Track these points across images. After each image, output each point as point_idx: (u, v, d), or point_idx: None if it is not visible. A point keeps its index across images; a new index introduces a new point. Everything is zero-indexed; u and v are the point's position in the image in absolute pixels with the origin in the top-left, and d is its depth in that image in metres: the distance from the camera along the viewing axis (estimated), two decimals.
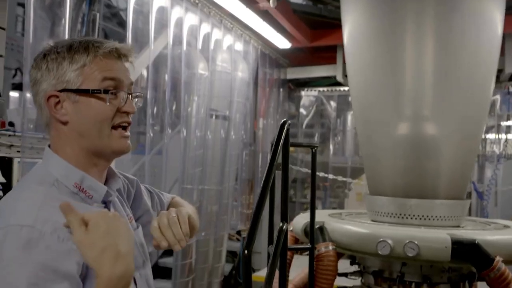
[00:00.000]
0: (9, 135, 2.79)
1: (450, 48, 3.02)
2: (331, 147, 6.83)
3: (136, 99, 1.27)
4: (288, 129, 2.23)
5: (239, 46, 5.11)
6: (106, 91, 1.17)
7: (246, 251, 1.67)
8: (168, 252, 4.87)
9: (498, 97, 5.47)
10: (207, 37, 4.50)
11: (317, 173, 5.93)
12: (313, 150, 2.89)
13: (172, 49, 4.08)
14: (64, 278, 1.00)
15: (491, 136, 5.60)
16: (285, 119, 2.29)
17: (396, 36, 3.11)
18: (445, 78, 3.04)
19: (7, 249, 0.99)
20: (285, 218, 2.14)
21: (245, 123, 5.26)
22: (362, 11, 3.31)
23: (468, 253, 2.47)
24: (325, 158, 6.73)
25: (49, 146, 1.23)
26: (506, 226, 3.08)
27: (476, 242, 2.50)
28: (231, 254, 5.83)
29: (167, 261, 5.20)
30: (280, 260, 2.20)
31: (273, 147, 2.17)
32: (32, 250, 0.99)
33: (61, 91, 1.16)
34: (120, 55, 1.21)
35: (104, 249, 0.98)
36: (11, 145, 2.79)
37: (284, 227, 2.10)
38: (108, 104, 1.17)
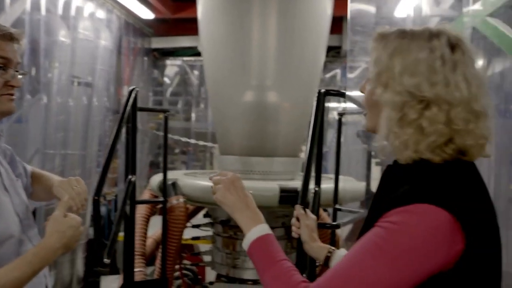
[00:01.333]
0: None
1: (289, 26, 3.44)
2: (194, 114, 7.15)
3: (21, 76, 1.51)
4: (136, 95, 2.51)
5: (101, 14, 5.16)
6: None
7: (95, 196, 1.96)
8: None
9: (338, 70, 6.20)
10: (67, 4, 4.51)
11: (181, 139, 6.27)
12: (165, 115, 3.18)
13: (30, 15, 4.05)
14: None
15: (332, 104, 6.30)
16: (133, 87, 2.57)
17: (243, 12, 3.44)
18: (284, 53, 3.46)
19: None
20: (134, 171, 2.44)
21: (108, 90, 5.36)
22: None
23: (291, 198, 2.97)
24: (188, 125, 7.06)
25: None
26: (330, 179, 3.67)
27: (298, 190, 3.01)
28: None
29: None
30: (130, 212, 2.50)
31: (121, 111, 2.44)
32: None
33: None
34: (12, 38, 1.46)
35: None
36: None
37: (133, 179, 2.40)
38: None
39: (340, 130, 2.96)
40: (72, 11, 4.60)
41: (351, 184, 3.43)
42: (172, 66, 7.04)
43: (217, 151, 6.62)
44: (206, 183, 3.19)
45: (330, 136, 6.25)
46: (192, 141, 6.14)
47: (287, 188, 3.01)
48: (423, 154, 1.00)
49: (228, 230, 3.35)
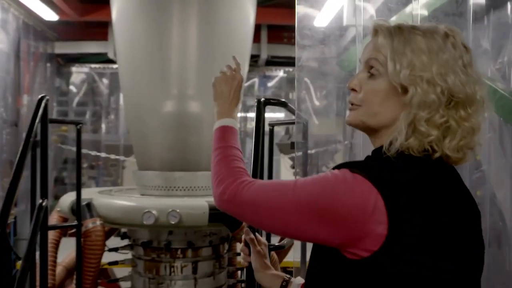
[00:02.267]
0: None
1: (210, 33, 3.28)
2: (103, 125, 6.71)
3: None
4: (46, 105, 2.18)
5: None
6: None
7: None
8: None
9: (256, 80, 6.13)
10: None
11: (90, 152, 5.82)
12: (78, 127, 2.85)
13: None
14: None
15: (250, 114, 6.22)
16: (42, 95, 2.23)
17: (163, 17, 3.24)
18: (206, 60, 3.29)
19: None
20: (45, 195, 2.10)
21: (5, 99, 4.80)
22: None
23: (222, 216, 2.78)
24: (98, 137, 6.60)
25: None
26: None
27: None
28: None
29: None
30: (41, 240, 2.16)
31: (29, 123, 2.10)
32: None
33: None
34: None
35: None
36: None
37: (44, 203, 2.07)
38: None
39: (272, 141, 2.81)
40: None
41: None
42: (78, 73, 6.54)
43: (130, 165, 6.29)
44: (125, 202, 2.91)
45: (250, 147, 6.13)
46: (103, 154, 5.71)
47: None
48: (444, 153, 1.00)
49: (150, 252, 3.10)
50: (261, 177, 2.16)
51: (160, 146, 3.33)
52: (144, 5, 3.31)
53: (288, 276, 1.41)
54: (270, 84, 6.46)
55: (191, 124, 3.32)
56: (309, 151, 2.67)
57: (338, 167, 1.01)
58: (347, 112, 1.13)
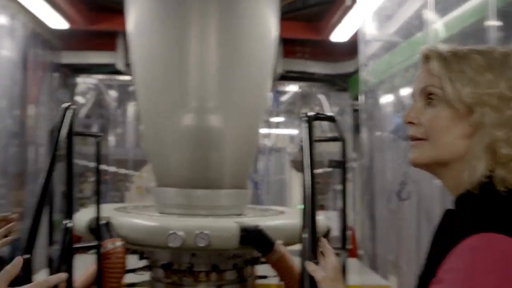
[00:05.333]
0: None
1: (232, 44, 3.13)
2: (111, 138, 6.51)
3: None
4: (73, 114, 1.99)
5: (2, 20, 4.42)
6: None
7: (27, 255, 1.42)
8: None
9: (270, 94, 5.95)
10: None
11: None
12: (97, 139, 2.66)
13: None
14: None
15: (262, 130, 6.09)
16: (69, 103, 2.04)
17: (181, 28, 3.10)
18: (228, 72, 3.14)
19: None
20: (70, 216, 1.91)
21: (12, 110, 4.60)
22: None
23: (254, 238, 2.59)
24: (105, 150, 6.39)
25: None
26: (281, 212, 3.35)
27: (259, 228, 2.64)
28: None
29: None
30: (66, 262, 1.96)
31: (53, 135, 1.90)
32: None
33: None
34: None
35: None
36: None
37: (69, 225, 1.87)
38: None
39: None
40: None
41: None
42: (84, 84, 6.34)
43: (135, 182, 6.10)
44: (148, 222, 2.71)
45: (262, 164, 5.97)
46: (112, 168, 5.50)
47: (247, 226, 2.61)
48: None
49: (171, 275, 2.90)
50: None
51: (179, 162, 3.15)
52: (162, 15, 3.16)
53: None
54: (283, 99, 6.31)
55: (211, 139, 3.15)
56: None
57: (470, 232, 0.82)
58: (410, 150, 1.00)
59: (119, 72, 6.01)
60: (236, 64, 3.16)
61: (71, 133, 2.01)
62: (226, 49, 3.13)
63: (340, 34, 5.08)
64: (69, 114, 1.99)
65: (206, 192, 3.04)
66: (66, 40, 5.71)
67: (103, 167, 5.68)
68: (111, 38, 5.56)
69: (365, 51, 4.40)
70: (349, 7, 4.46)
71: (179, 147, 3.13)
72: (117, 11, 4.14)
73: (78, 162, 6.02)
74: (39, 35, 5.13)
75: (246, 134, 3.29)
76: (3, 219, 1.36)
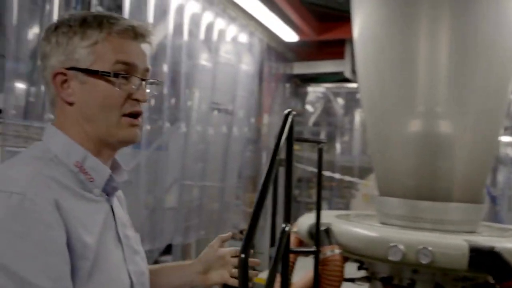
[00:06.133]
0: None
1: (466, 42, 2.85)
2: (338, 146, 6.62)
3: (151, 87, 1.14)
4: (292, 121, 2.03)
5: (243, 37, 4.91)
6: (116, 75, 1.05)
7: (243, 255, 1.48)
8: (167, 251, 4.68)
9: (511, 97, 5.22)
10: (210, 27, 4.30)
11: (324, 173, 5.75)
12: (320, 146, 2.69)
13: (173, 39, 3.88)
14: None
15: (505, 138, 5.38)
16: (289, 109, 2.10)
17: (410, 29, 2.95)
18: (461, 73, 2.86)
19: None
20: (288, 219, 1.95)
21: (248, 118, 5.06)
22: (374, 4, 3.13)
23: (487, 262, 2.27)
24: (332, 157, 6.52)
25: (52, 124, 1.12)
26: None
27: (496, 250, 2.29)
28: None
29: (167, 259, 5.02)
30: (282, 264, 2.02)
31: (276, 140, 1.97)
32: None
33: (69, 69, 1.05)
34: (136, 35, 1.07)
35: None
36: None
37: (287, 228, 1.91)
38: (117, 89, 1.05)
39: None
40: (215, 34, 4.37)
41: None
42: (313, 93, 6.61)
43: (361, 190, 6.06)
44: (368, 232, 2.61)
45: (502, 176, 5.28)
46: (337, 175, 5.57)
47: (479, 247, 2.29)
48: None
49: None
50: None
51: (404, 170, 2.98)
52: (388, 18, 3.05)
53: None
54: None
55: (440, 146, 2.91)
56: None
57: None
58: None
59: (347, 80, 6.07)
60: (471, 63, 2.87)
61: (291, 138, 2.06)
62: (460, 47, 2.88)
63: None
64: (289, 120, 2.05)
65: (432, 204, 2.82)
66: (297, 51, 6.02)
67: (328, 173, 5.82)
68: (339, 47, 5.64)
69: None
70: None
71: (405, 154, 2.97)
72: (345, 19, 4.17)
73: (306, 168, 6.29)
74: (273, 48, 5.52)
75: (482, 141, 2.94)
76: None
